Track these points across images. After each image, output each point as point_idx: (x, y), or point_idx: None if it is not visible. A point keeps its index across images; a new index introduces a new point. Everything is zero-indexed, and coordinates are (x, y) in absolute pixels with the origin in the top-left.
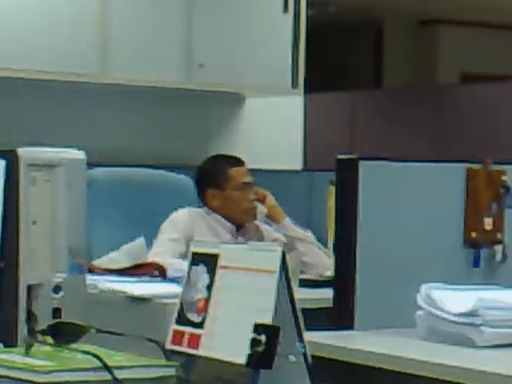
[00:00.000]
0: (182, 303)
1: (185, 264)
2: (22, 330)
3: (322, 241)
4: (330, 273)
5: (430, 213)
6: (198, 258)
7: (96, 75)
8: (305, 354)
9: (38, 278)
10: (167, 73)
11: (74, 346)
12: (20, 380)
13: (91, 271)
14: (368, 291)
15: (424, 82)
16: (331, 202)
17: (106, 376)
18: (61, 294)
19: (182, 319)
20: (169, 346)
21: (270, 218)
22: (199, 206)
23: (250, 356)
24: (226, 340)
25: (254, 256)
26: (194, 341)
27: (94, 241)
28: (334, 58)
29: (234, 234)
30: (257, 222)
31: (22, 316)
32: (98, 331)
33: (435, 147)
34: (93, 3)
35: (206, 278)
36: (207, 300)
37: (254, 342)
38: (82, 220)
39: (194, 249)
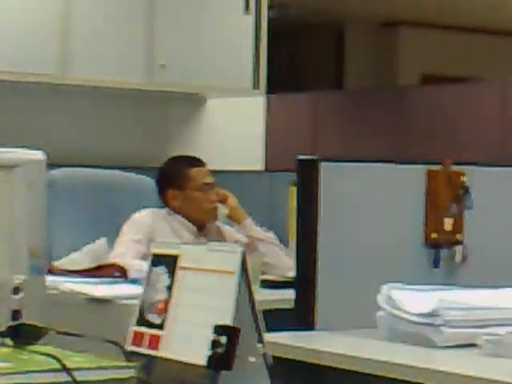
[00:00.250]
0: (142, 304)
1: (145, 265)
2: None
3: (284, 241)
4: (291, 274)
5: (391, 214)
6: (158, 259)
7: (57, 76)
8: (265, 355)
9: None
10: (129, 74)
11: (33, 347)
12: None
13: (52, 272)
14: (329, 292)
15: (385, 83)
16: (292, 203)
17: (65, 378)
18: (20, 295)
19: (142, 320)
20: (129, 347)
21: (232, 219)
22: (161, 207)
23: (210, 357)
24: (186, 341)
25: (214, 257)
26: (154, 342)
27: (55, 242)
28: (296, 60)
29: (195, 235)
30: (218, 223)
31: None
32: (58, 333)
33: (395, 148)
34: (54, 4)
35: (166, 279)
36: (167, 301)
37: (214, 343)
38: (42, 221)
39: (154, 250)
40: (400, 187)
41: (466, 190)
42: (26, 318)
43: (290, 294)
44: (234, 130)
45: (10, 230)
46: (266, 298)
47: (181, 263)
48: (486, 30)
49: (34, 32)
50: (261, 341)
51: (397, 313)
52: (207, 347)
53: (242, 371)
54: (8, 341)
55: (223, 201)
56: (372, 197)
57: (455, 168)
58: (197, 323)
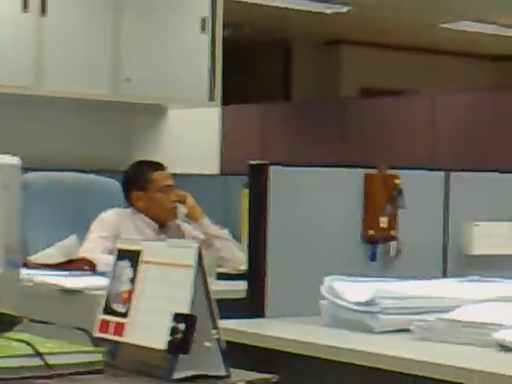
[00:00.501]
0: (108, 295)
1: (112, 259)
2: None
3: (237, 238)
4: (244, 267)
5: (333, 213)
6: (122, 254)
7: (31, 87)
8: (219, 340)
9: None
10: (97, 86)
11: (9, 334)
12: None
13: (27, 266)
14: (278, 283)
15: (328, 95)
16: (245, 203)
17: (38, 362)
18: None
19: (108, 309)
20: (96, 334)
21: (190, 218)
22: (126, 207)
23: (169, 342)
24: (148, 328)
25: (173, 252)
26: (119, 329)
27: (31, 239)
28: (248, 74)
29: (157, 232)
30: (178, 221)
31: None
32: (32, 321)
33: (337, 155)
34: (28, 19)
35: (129, 272)
36: (131, 292)
37: (174, 330)
38: (17, 220)
39: (119, 245)
40: (341, 189)
41: (400, 192)
42: (3, 308)
43: (242, 285)
44: (193, 137)
45: None
46: (221, 288)
47: (143, 258)
48: (418, 48)
49: (10, 47)
50: (215, 327)
51: (338, 301)
52: (167, 333)
53: (199, 355)
54: None
55: (182, 201)
56: (315, 198)
57: (390, 172)
58: (157, 312)
